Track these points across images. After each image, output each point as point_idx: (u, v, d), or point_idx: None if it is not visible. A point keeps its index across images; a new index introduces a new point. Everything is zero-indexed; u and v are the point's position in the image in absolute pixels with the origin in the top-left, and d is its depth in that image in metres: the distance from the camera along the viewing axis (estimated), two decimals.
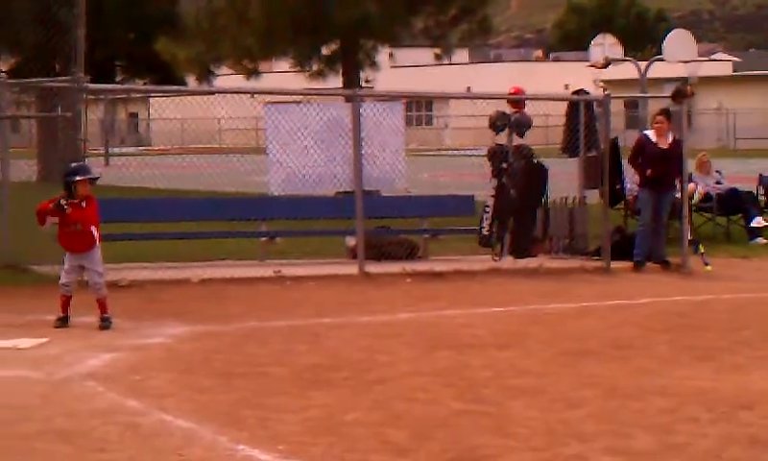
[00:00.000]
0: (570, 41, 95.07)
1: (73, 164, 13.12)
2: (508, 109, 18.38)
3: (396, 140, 18.90)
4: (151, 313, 12.68)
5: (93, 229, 12.55)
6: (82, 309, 12.65)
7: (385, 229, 18.57)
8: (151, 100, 78.57)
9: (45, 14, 25.14)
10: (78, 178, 12.55)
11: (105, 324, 12.44)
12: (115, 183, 26.30)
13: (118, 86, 39.56)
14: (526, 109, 18.48)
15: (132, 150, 56.70)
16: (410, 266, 17.18)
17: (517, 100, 18.71)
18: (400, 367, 10.58)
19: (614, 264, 17.78)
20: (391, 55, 58.67)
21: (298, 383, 9.85)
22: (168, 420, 8.62)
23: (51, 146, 24.11)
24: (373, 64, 37.82)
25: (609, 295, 15.44)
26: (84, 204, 12.50)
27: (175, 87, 32.91)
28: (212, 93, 28.86)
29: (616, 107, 51.03)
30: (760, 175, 22.99)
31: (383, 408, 9.00)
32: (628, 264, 17.86)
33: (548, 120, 40.38)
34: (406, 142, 20.28)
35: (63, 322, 12.46)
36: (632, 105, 51.16)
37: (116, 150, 51.52)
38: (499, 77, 64.56)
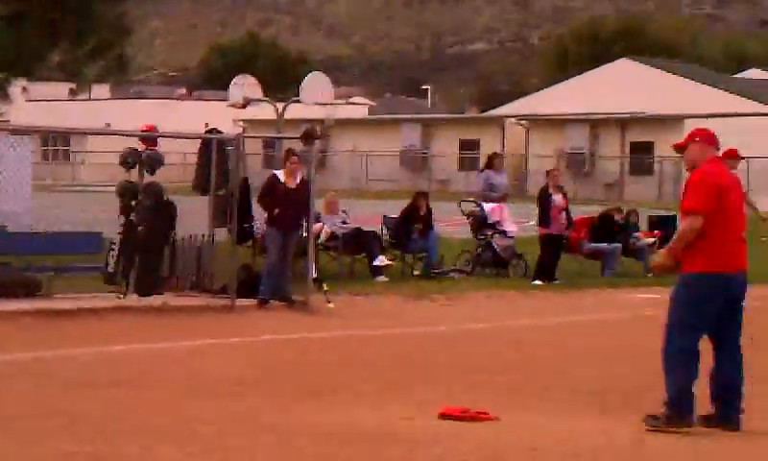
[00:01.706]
0: (215, 81, 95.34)
1: None
2: (140, 146, 18.27)
3: (23, 174, 18.47)
4: None
5: None
6: None
7: (6, 265, 18.04)
8: None
9: None
10: None
11: None
12: None
13: None
14: (159, 147, 18.46)
15: None
16: (30, 304, 16.76)
17: (149, 137, 18.63)
18: None
19: (241, 302, 17.94)
20: (24, 89, 57.24)
21: None
22: None
23: None
24: (6, 97, 36.82)
25: (232, 332, 15.57)
26: None
27: None
28: None
29: (254, 146, 51.64)
30: (384, 216, 23.80)
31: None
32: (254, 302, 18.08)
33: (186, 158, 40.40)
34: (41, 177, 19.86)
35: None
36: (271, 145, 51.82)
37: None
38: (141, 113, 63.95)
